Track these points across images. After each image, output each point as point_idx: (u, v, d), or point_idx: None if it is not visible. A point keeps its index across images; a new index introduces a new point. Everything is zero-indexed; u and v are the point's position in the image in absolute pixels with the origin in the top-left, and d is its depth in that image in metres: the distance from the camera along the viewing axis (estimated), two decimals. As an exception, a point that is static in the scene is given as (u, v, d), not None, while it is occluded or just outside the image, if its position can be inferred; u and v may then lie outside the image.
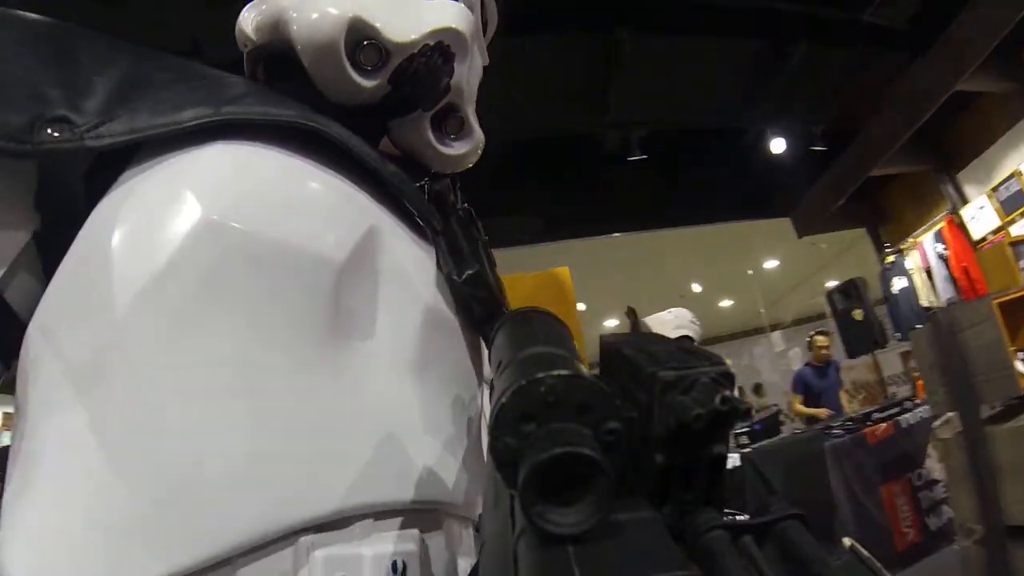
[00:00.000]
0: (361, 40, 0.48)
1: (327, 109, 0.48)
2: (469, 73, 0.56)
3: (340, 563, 0.35)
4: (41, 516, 0.33)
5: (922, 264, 5.01)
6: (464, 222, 0.54)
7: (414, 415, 0.43)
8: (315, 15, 0.48)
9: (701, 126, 4.80)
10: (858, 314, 4.35)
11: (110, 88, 0.42)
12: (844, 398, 4.61)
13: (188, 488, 0.33)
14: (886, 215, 5.60)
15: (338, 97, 0.51)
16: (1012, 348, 2.05)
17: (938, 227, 4.86)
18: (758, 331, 9.55)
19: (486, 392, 0.52)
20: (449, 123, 0.57)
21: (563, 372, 0.20)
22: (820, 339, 4.54)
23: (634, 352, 0.22)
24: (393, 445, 0.40)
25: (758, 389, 8.91)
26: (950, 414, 2.22)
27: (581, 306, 7.65)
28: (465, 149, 0.58)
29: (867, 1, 3.76)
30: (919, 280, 5.04)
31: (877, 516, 2.99)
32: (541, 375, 0.20)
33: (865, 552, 0.17)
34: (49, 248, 0.41)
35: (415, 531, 0.39)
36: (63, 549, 0.32)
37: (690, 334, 3.11)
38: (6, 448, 0.39)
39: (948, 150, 4.72)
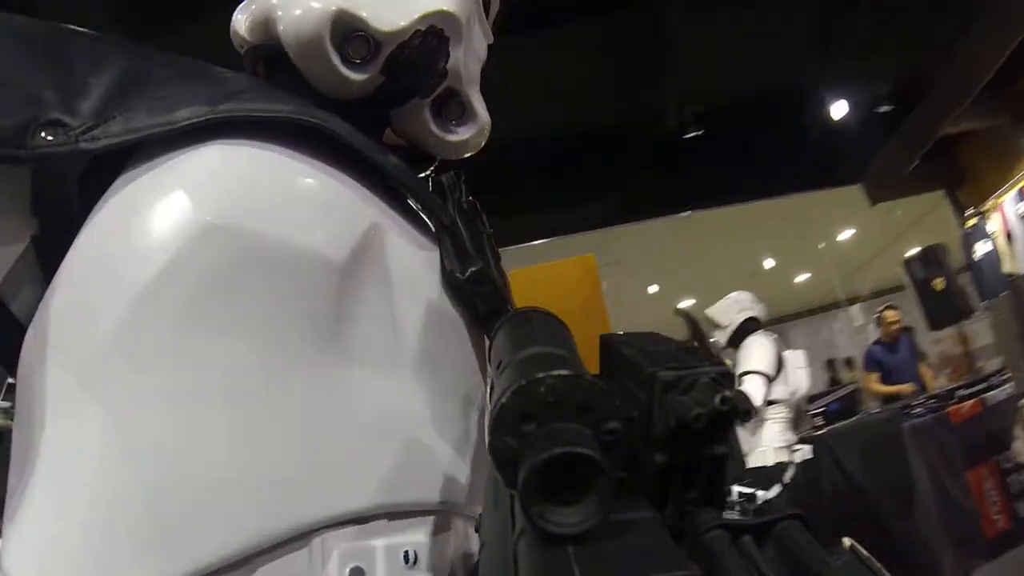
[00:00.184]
0: (349, 33, 0.48)
1: (328, 103, 0.49)
2: (466, 55, 0.56)
3: (354, 555, 0.37)
4: (44, 523, 0.34)
5: (1003, 227, 4.73)
6: (469, 216, 0.54)
7: (420, 415, 0.44)
8: (298, 11, 0.48)
9: (758, 96, 4.66)
10: (939, 283, 4.16)
11: (105, 88, 0.42)
12: (928, 374, 4.44)
13: (197, 492, 0.35)
14: (964, 176, 5.28)
15: (330, 92, 0.51)
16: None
17: (1020, 185, 4.57)
18: (836, 306, 9.24)
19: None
20: (450, 108, 0.56)
21: (563, 372, 0.21)
22: (889, 314, 4.37)
23: (634, 352, 0.22)
24: (401, 446, 0.42)
25: (850, 363, 8.61)
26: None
27: (654, 287, 7.57)
28: (469, 134, 0.58)
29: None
30: (1002, 244, 4.77)
31: (963, 501, 2.88)
32: (541, 375, 0.20)
33: (865, 552, 0.17)
34: (48, 252, 0.42)
35: (426, 525, 0.41)
36: (64, 555, 0.33)
37: (754, 314, 3.10)
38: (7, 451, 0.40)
39: (1027, 100, 4.41)
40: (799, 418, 3.22)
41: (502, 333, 0.27)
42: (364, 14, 0.48)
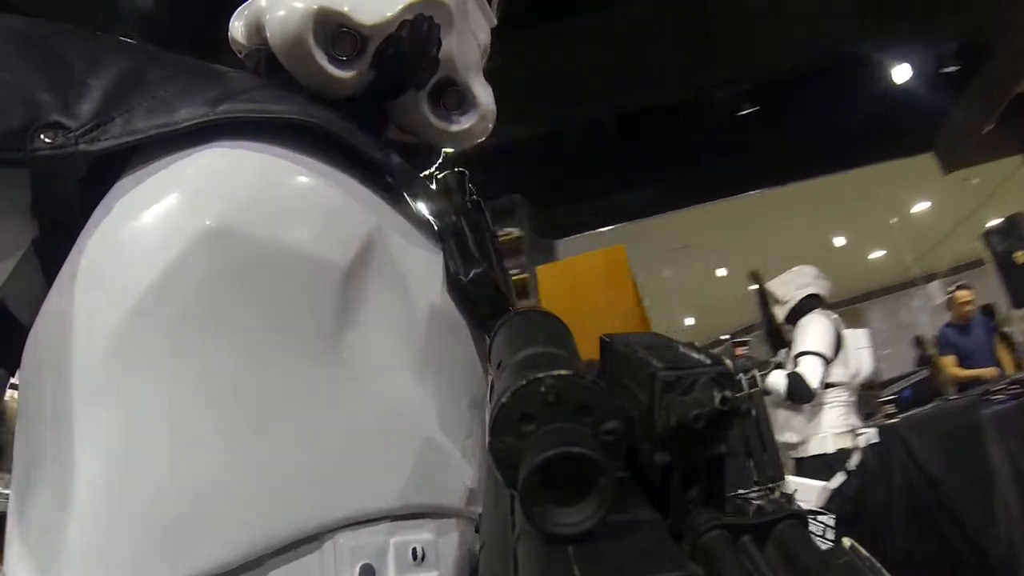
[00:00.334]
0: (334, 30, 0.49)
1: (330, 102, 0.50)
2: (461, 41, 0.55)
3: (364, 551, 0.39)
4: (48, 528, 0.36)
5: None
6: (473, 215, 0.54)
7: (424, 417, 0.45)
8: (281, 12, 0.49)
9: (814, 67, 4.53)
10: (1021, 256, 3.98)
11: (104, 89, 0.43)
12: (1005, 357, 4.25)
13: (201, 497, 0.36)
14: (1046, 137, 5.01)
15: (321, 92, 0.51)
16: None
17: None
18: (913, 284, 8.91)
19: None
20: (448, 98, 0.57)
21: (563, 372, 0.21)
22: (962, 294, 4.20)
23: (634, 352, 0.23)
24: (405, 448, 0.43)
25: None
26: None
27: (722, 271, 7.48)
28: (470, 123, 0.58)
29: None
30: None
31: (1049, 494, 2.76)
32: (541, 375, 0.21)
33: (865, 552, 0.18)
34: (49, 255, 0.43)
35: (432, 523, 0.43)
36: (69, 560, 0.35)
37: (816, 291, 3.01)
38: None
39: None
40: (865, 402, 3.12)
41: (502, 333, 0.28)
42: (346, 8, 0.48)
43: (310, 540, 0.38)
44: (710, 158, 5.01)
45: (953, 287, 4.37)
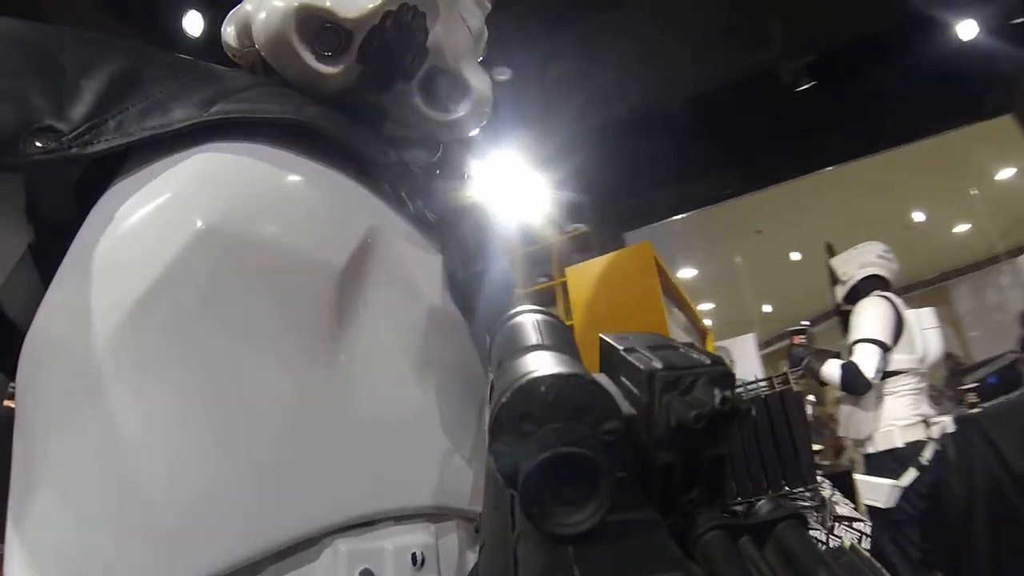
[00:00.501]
0: (318, 27, 0.50)
1: (327, 99, 0.50)
2: (449, 29, 0.56)
3: (364, 556, 0.40)
4: (47, 532, 0.37)
5: None
6: (473, 212, 0.55)
7: (423, 417, 0.46)
8: (264, 13, 0.50)
9: (873, 32, 4.37)
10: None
11: (97, 91, 0.44)
12: None
13: (199, 498, 0.37)
14: None
15: (310, 90, 0.52)
16: None
17: None
18: (1000, 258, 8.50)
19: None
20: (439, 87, 0.57)
21: (563, 372, 0.22)
22: None
23: (634, 352, 0.24)
24: (404, 449, 0.44)
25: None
26: None
27: (796, 255, 7.34)
28: (464, 111, 0.58)
29: None
30: None
31: None
32: (541, 375, 0.22)
33: (865, 552, 0.18)
34: (45, 259, 0.45)
35: (432, 526, 0.44)
36: (68, 563, 0.36)
37: (880, 272, 2.88)
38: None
39: None
40: (941, 388, 2.96)
41: (503, 332, 0.29)
42: (328, 4, 0.49)
43: (310, 544, 0.39)
44: (774, 139, 4.93)
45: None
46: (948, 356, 3.95)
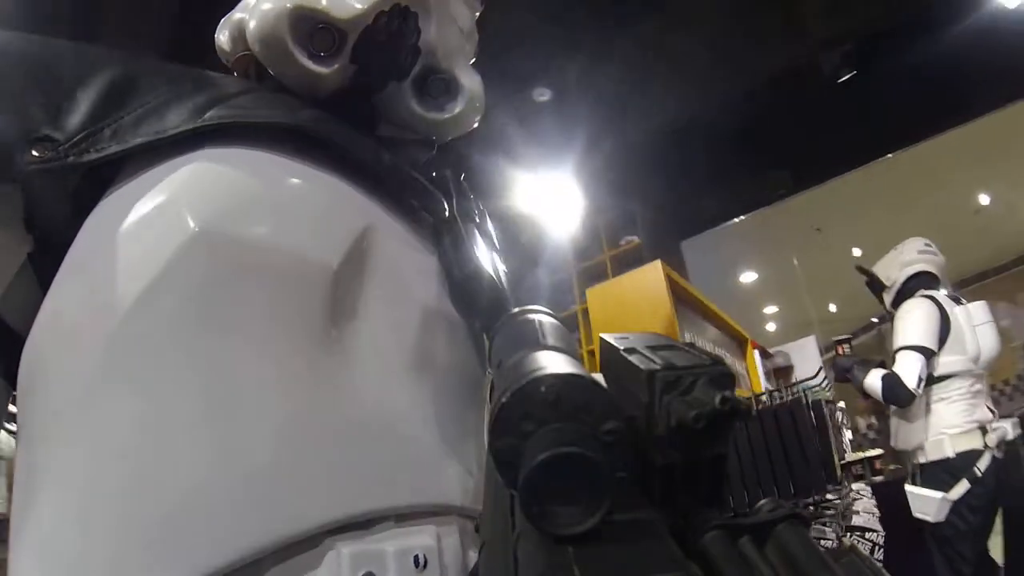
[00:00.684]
0: (312, 27, 0.52)
1: (320, 102, 0.52)
2: (442, 28, 0.58)
3: (366, 559, 0.41)
4: (48, 538, 0.38)
5: None
6: (469, 212, 0.56)
7: (421, 417, 0.47)
8: (258, 15, 0.52)
9: (910, 10, 4.29)
10: None
11: (93, 101, 0.46)
12: None
13: (198, 500, 0.38)
14: None
15: (304, 91, 0.54)
16: None
17: None
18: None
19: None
20: (432, 86, 0.59)
21: (564, 372, 0.23)
22: None
23: (634, 352, 0.24)
24: (403, 448, 0.45)
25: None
26: None
27: (857, 251, 7.24)
28: (458, 109, 0.60)
29: None
30: None
31: None
32: (541, 375, 0.23)
33: (865, 553, 0.18)
34: (44, 267, 0.47)
35: (432, 527, 0.45)
36: (69, 568, 0.37)
37: (925, 267, 2.77)
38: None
39: None
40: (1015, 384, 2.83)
41: (502, 332, 0.29)
42: (321, 5, 0.51)
43: (312, 546, 0.41)
44: (822, 133, 4.88)
45: None
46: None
